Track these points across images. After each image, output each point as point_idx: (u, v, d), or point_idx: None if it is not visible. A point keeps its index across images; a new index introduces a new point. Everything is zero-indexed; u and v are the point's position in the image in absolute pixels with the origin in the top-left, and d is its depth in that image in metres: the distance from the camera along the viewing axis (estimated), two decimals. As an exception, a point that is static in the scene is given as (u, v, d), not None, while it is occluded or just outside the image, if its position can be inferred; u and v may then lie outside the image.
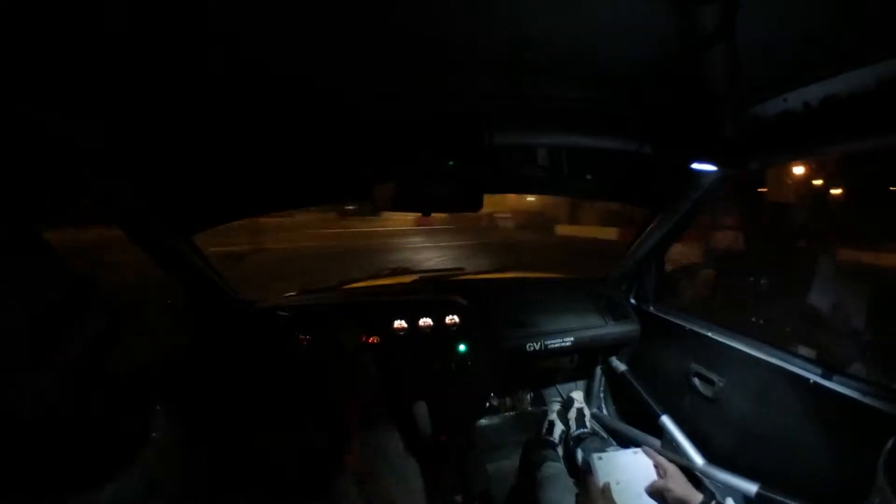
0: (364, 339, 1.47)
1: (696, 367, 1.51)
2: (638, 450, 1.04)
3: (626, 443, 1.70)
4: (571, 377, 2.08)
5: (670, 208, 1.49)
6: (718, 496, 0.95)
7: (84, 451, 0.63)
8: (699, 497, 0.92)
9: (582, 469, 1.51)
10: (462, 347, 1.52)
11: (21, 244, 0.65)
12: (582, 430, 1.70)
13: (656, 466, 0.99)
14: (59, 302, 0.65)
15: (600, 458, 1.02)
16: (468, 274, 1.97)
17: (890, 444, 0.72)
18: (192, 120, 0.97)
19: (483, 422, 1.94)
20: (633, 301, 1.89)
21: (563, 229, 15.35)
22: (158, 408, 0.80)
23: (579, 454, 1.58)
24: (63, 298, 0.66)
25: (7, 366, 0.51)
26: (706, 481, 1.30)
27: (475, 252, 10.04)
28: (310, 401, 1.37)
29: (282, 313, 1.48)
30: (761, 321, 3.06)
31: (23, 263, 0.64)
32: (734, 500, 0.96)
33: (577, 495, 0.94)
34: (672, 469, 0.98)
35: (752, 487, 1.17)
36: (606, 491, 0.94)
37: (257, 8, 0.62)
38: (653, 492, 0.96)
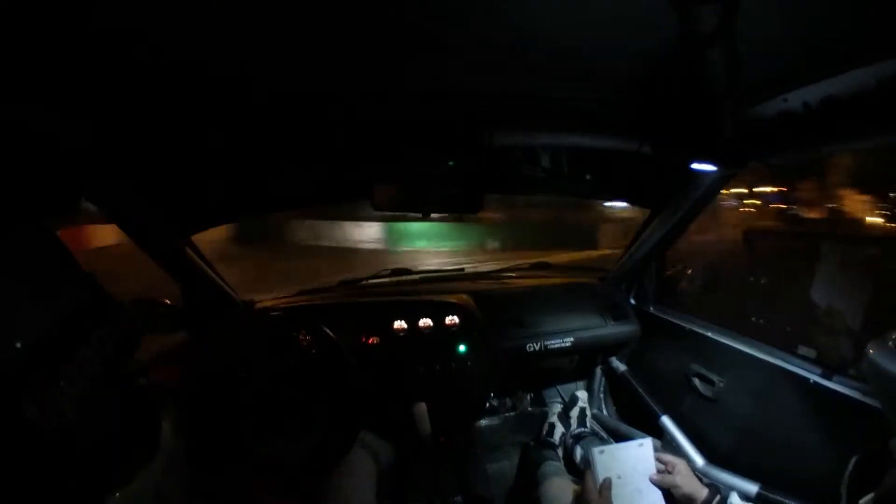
0: (363, 339, 1.47)
1: (696, 367, 1.50)
2: (645, 441, 1.02)
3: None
4: (571, 377, 2.08)
5: (670, 208, 1.48)
6: (723, 491, 0.95)
7: (94, 461, 0.61)
8: (704, 492, 0.92)
9: (580, 467, 1.51)
10: (462, 348, 1.52)
11: (35, 245, 0.62)
12: (581, 429, 1.69)
13: (659, 461, 0.99)
14: (77, 308, 0.61)
15: (601, 453, 0.99)
16: (468, 274, 1.96)
17: (851, 465, 0.73)
18: (192, 119, 0.97)
19: (483, 422, 1.94)
20: (632, 301, 1.89)
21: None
22: (168, 415, 0.78)
23: (578, 452, 1.57)
24: (81, 304, 0.63)
25: (25, 377, 0.48)
26: (706, 481, 1.30)
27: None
28: (310, 401, 1.36)
29: (282, 313, 1.47)
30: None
31: (40, 266, 0.61)
32: (738, 497, 0.96)
33: (576, 493, 0.94)
34: (680, 465, 0.98)
35: (752, 487, 1.16)
36: (604, 489, 0.93)
37: (256, 7, 0.62)
38: (660, 486, 0.95)
